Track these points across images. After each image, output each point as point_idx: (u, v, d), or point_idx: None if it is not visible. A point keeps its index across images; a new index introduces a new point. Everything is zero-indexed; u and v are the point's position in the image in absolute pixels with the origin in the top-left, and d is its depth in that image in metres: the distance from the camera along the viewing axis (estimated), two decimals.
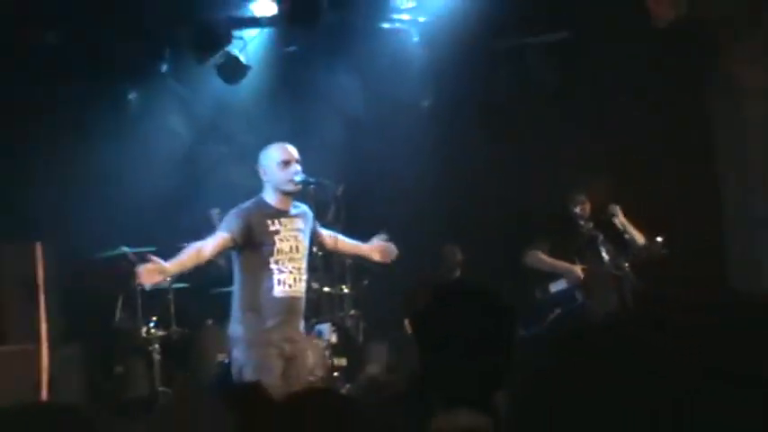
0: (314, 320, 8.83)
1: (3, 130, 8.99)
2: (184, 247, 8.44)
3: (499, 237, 9.33)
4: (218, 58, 9.59)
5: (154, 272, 6.54)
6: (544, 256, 8.09)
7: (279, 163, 6.80)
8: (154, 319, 9.05)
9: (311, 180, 8.17)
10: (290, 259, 6.76)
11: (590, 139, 9.26)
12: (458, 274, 9.47)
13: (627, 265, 7.91)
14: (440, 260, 9.60)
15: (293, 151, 6.90)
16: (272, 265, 6.70)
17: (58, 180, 9.45)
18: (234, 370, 6.74)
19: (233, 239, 6.67)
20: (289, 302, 6.74)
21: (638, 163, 8.97)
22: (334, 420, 2.94)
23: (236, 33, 9.75)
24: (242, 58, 9.75)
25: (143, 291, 9.00)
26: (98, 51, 9.32)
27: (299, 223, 6.91)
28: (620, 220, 7.93)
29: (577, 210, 7.94)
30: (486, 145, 10.05)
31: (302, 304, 6.87)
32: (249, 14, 9.88)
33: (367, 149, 9.79)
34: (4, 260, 8.80)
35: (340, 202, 8.09)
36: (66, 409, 3.27)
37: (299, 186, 6.87)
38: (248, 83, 9.88)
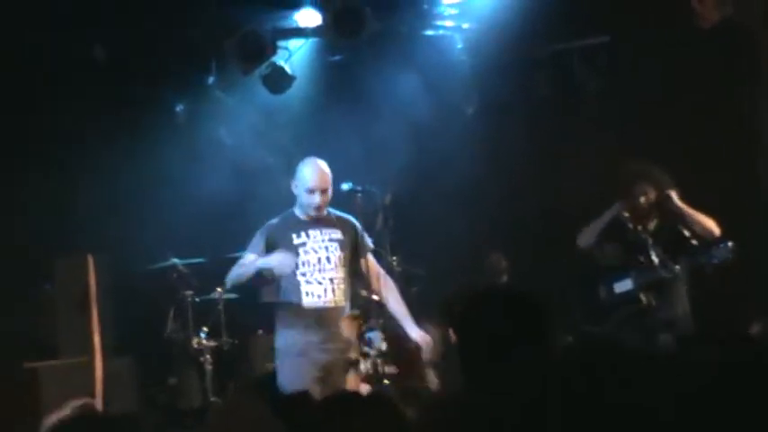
0: (365, 328, 8.80)
1: (55, 146, 9.05)
2: (234, 258, 8.48)
3: (544, 240, 9.26)
4: (263, 69, 9.58)
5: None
6: (589, 227, 7.96)
7: (306, 189, 6.82)
8: (205, 329, 9.09)
9: (358, 188, 8.13)
10: (320, 270, 6.78)
11: (634, 142, 9.15)
12: (503, 280, 9.42)
13: (678, 267, 7.70)
14: (486, 267, 9.54)
15: (324, 178, 6.87)
16: (299, 277, 6.73)
17: (108, 193, 9.50)
18: (277, 380, 6.82)
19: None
20: (319, 313, 6.75)
21: (682, 166, 8.85)
22: (380, 427, 2.97)
23: (282, 44, 9.73)
24: (287, 69, 9.72)
25: (193, 302, 9.05)
26: (146, 65, 9.37)
27: (334, 234, 6.91)
28: (677, 204, 7.72)
29: (641, 200, 7.78)
30: (530, 149, 10.02)
31: (337, 313, 6.84)
32: (294, 25, 9.86)
33: (413, 156, 9.73)
34: (57, 274, 8.86)
35: (387, 211, 8.02)
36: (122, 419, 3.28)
37: (320, 213, 6.86)
38: (294, 93, 9.85)
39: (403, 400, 7.70)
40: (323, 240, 6.85)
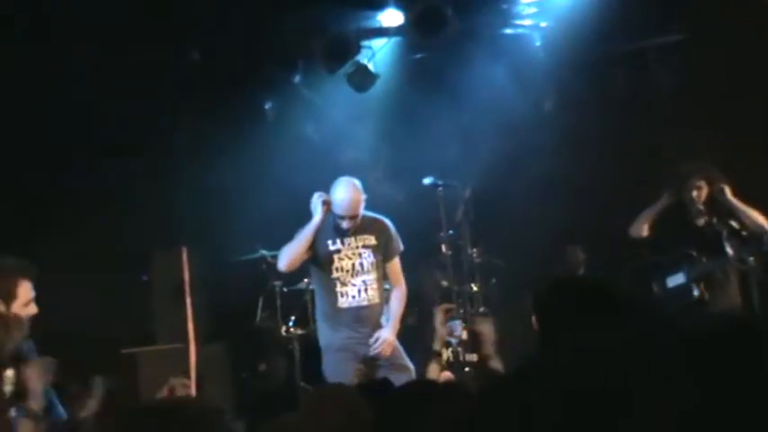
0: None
1: (151, 143, 9.19)
2: None
3: (620, 234, 9.24)
4: (348, 68, 9.67)
5: None
6: (641, 218, 7.95)
7: (337, 215, 7.19)
8: (293, 318, 9.18)
9: (439, 182, 8.24)
10: (354, 274, 7.13)
11: (709, 138, 9.08)
12: (581, 272, 9.41)
13: (752, 259, 7.63)
14: (564, 260, 9.55)
15: (354, 205, 7.19)
16: (335, 280, 7.12)
17: (201, 188, 9.62)
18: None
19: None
20: (353, 312, 7.10)
21: (756, 162, 8.77)
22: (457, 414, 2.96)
23: (365, 43, 9.80)
24: (371, 67, 9.81)
25: (282, 292, 9.17)
26: (237, 66, 9.50)
27: (368, 240, 7.23)
28: (729, 198, 7.66)
29: (694, 194, 7.74)
30: (606, 145, 9.98)
31: (372, 311, 7.21)
32: (377, 25, 9.92)
33: (493, 151, 9.75)
34: (154, 265, 9.06)
35: (468, 203, 8.10)
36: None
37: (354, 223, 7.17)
38: (377, 90, 9.92)
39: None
40: (356, 247, 7.19)
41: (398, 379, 6.94)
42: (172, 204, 9.30)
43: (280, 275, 9.20)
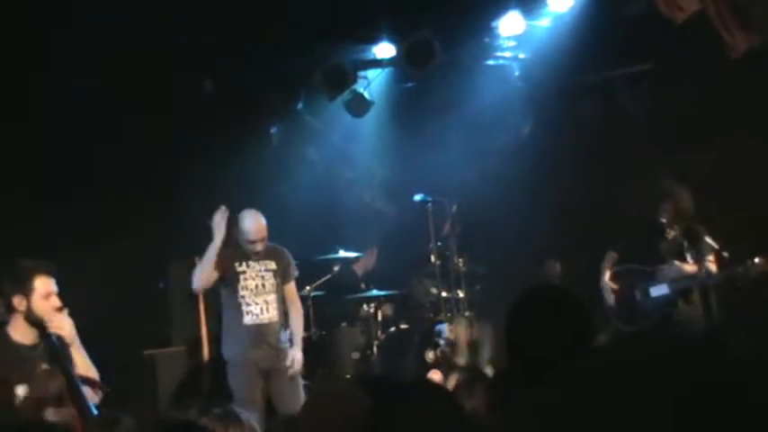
0: (435, 320, 8.97)
1: (165, 165, 9.22)
2: (320, 260, 8.77)
3: (595, 247, 9.31)
4: (345, 96, 9.76)
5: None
6: (608, 261, 7.98)
7: (248, 240, 7.39)
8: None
9: (429, 199, 8.37)
10: (257, 294, 7.32)
11: (674, 160, 9.18)
12: (556, 283, 9.46)
13: (710, 271, 7.62)
14: (541, 273, 9.62)
15: (262, 228, 7.47)
16: (240, 300, 7.31)
17: (212, 205, 9.68)
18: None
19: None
20: (256, 329, 7.28)
21: (722, 183, 8.83)
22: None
23: (361, 73, 9.89)
24: (366, 95, 9.91)
25: None
26: (245, 94, 9.58)
27: (270, 264, 7.45)
28: (702, 237, 7.68)
29: (663, 218, 7.80)
30: (580, 166, 10.05)
31: (272, 328, 7.37)
32: (372, 57, 10.00)
33: (477, 170, 9.84)
34: (170, 274, 9.12)
35: (455, 218, 8.17)
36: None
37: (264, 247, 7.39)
38: (372, 116, 10.03)
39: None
40: (259, 270, 7.40)
41: (295, 390, 7.25)
42: (186, 220, 9.35)
43: None
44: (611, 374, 1.50)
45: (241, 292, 7.32)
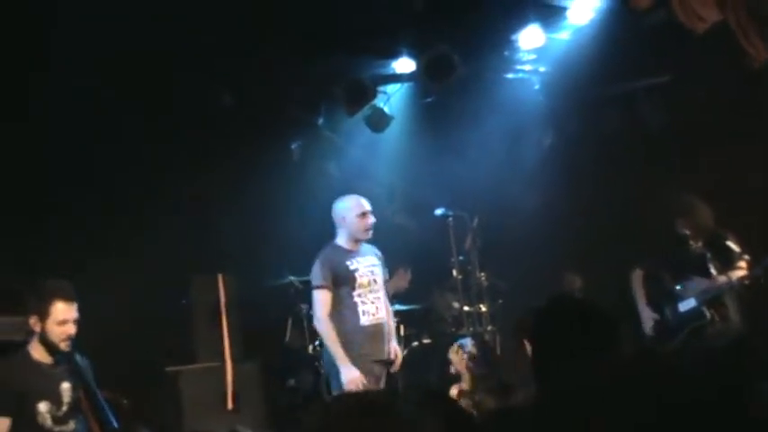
0: (457, 334, 8.92)
1: (188, 180, 9.24)
2: None
3: (617, 260, 9.24)
4: (365, 111, 9.73)
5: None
6: (638, 282, 7.95)
7: (358, 214, 7.13)
8: (319, 338, 9.17)
9: (450, 213, 8.33)
10: (370, 291, 7.04)
11: (694, 171, 9.14)
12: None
13: (735, 278, 7.61)
14: (563, 285, 9.56)
15: (367, 204, 7.22)
16: (356, 299, 7.00)
17: (234, 220, 9.68)
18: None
19: (329, 287, 6.97)
20: (375, 329, 7.01)
21: (742, 194, 8.77)
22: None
23: (381, 88, 9.87)
24: (386, 110, 9.90)
25: (308, 314, 9.18)
26: (266, 109, 9.57)
27: (373, 260, 7.20)
28: (728, 244, 7.67)
29: (686, 231, 7.78)
30: (602, 178, 10.00)
31: (386, 328, 7.10)
32: (392, 72, 9.98)
33: (498, 184, 9.81)
34: (193, 290, 9.11)
35: (476, 232, 8.14)
36: None
37: (370, 235, 7.13)
38: (392, 130, 10.01)
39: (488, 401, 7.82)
40: (367, 266, 7.14)
41: None
42: (209, 236, 9.36)
43: (306, 299, 9.26)
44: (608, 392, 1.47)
45: (357, 291, 7.05)
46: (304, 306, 9.14)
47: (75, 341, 5.44)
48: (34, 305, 5.35)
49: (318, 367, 8.99)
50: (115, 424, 5.29)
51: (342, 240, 7.20)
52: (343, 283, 7.02)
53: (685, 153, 9.52)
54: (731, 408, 1.33)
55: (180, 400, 8.48)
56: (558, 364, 3.09)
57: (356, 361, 6.91)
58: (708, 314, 7.56)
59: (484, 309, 9.08)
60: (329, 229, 9.69)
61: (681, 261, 7.76)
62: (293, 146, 10.27)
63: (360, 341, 6.97)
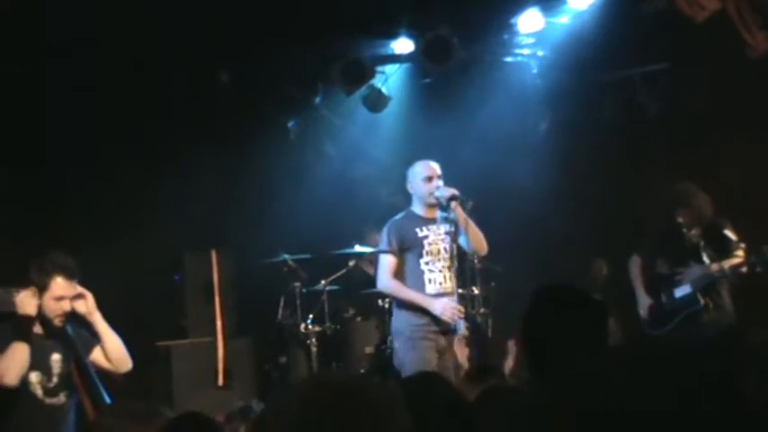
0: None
1: (182, 156, 9.24)
2: (336, 255, 8.69)
3: (612, 245, 9.25)
4: (363, 91, 9.74)
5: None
6: (635, 268, 7.99)
7: (423, 178, 7.00)
8: (311, 316, 9.14)
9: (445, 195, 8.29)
10: (439, 260, 6.94)
11: (690, 157, 9.15)
12: (601, 284, 9.41)
13: (728, 266, 7.65)
14: (588, 273, 9.57)
15: (436, 167, 7.09)
16: (423, 267, 6.89)
17: (230, 197, 9.68)
18: (395, 360, 6.97)
19: (394, 252, 6.88)
20: (452, 297, 6.89)
21: (740, 182, 8.78)
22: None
23: (379, 69, 9.84)
24: (384, 90, 9.88)
25: (301, 292, 9.20)
26: (263, 88, 9.57)
27: (446, 228, 7.06)
28: (725, 233, 7.69)
29: (681, 219, 7.80)
30: (598, 163, 10.02)
31: (455, 299, 6.96)
32: (390, 52, 9.96)
33: (493, 167, 9.78)
34: (186, 267, 9.13)
35: (471, 214, 8.12)
36: None
37: (439, 199, 6.99)
38: (390, 111, 10.01)
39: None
40: (439, 234, 7.01)
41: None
42: (203, 212, 9.36)
43: (299, 277, 9.30)
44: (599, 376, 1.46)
45: (426, 258, 6.96)
46: (297, 284, 9.18)
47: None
48: (35, 277, 5.34)
49: (310, 345, 9.02)
50: (107, 398, 5.30)
51: (416, 207, 7.11)
52: (409, 249, 6.94)
53: (682, 140, 9.57)
54: (722, 397, 1.33)
55: (171, 375, 8.52)
56: (550, 351, 3.11)
57: (416, 331, 6.85)
58: (702, 301, 7.58)
59: (477, 291, 9.06)
60: (324, 209, 9.75)
61: (675, 248, 7.77)
62: (290, 125, 10.22)
63: (423, 310, 6.88)
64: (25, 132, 8.43)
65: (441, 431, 2.93)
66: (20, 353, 5.22)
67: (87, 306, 5.47)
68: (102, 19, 7.64)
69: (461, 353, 7.44)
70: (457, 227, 7.12)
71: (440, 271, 6.97)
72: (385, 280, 6.99)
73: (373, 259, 9.68)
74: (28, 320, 5.26)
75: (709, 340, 3.12)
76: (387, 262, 6.98)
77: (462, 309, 6.93)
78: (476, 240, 7.10)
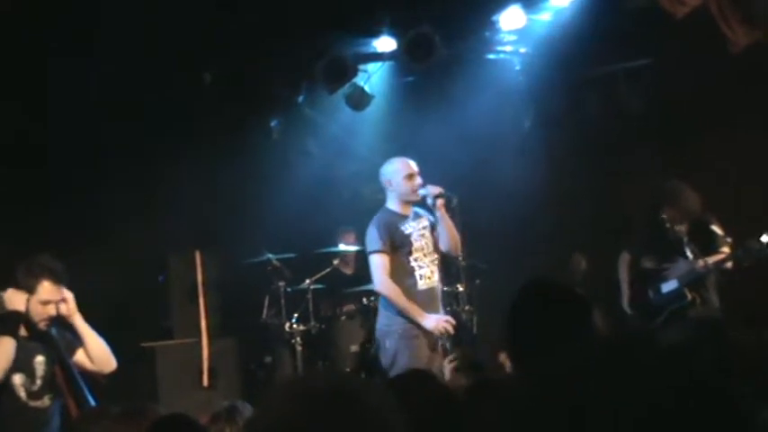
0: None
1: (164, 156, 9.21)
2: (319, 254, 8.66)
3: (597, 241, 9.26)
4: (346, 89, 9.71)
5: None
6: (623, 265, 8.02)
7: (405, 176, 6.98)
8: (296, 315, 9.16)
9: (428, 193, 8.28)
10: (426, 255, 6.95)
11: (673, 153, 9.19)
12: (580, 279, 9.43)
13: (712, 262, 7.67)
14: (567, 268, 9.58)
15: (414, 165, 7.08)
16: (413, 263, 6.88)
17: (212, 197, 9.65)
18: (384, 359, 6.91)
19: (387, 252, 6.83)
20: (430, 293, 6.92)
21: (722, 177, 8.82)
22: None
23: (362, 67, 9.84)
24: (367, 89, 9.86)
25: (286, 291, 9.22)
26: (246, 86, 9.55)
27: (425, 222, 7.07)
28: (713, 229, 7.72)
29: (665, 215, 7.82)
30: (581, 159, 10.04)
31: (439, 291, 7.01)
32: (373, 50, 9.95)
33: (477, 164, 9.80)
34: (170, 267, 9.11)
35: (456, 212, 8.13)
36: None
37: (424, 196, 7.02)
38: (373, 109, 9.99)
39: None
40: (421, 229, 7.00)
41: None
42: (187, 213, 9.35)
43: (283, 277, 9.29)
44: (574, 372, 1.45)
45: (414, 255, 6.91)
46: (281, 284, 9.19)
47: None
48: (22, 279, 5.32)
49: (295, 344, 9.02)
50: (92, 400, 5.27)
51: (393, 205, 7.07)
52: (399, 247, 6.90)
53: (664, 136, 9.59)
54: (709, 393, 1.33)
55: (156, 375, 8.51)
56: (534, 347, 3.09)
57: (409, 329, 6.80)
58: (689, 296, 7.60)
59: (461, 288, 9.08)
60: (308, 208, 9.74)
61: (661, 244, 7.80)
62: (273, 123, 10.23)
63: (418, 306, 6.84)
64: (25, 132, 8.40)
65: (432, 427, 2.93)
66: (5, 346, 5.19)
67: (69, 308, 5.44)
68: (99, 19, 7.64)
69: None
70: (434, 225, 7.09)
71: (427, 266, 6.95)
72: (385, 281, 6.87)
73: (349, 259, 9.72)
74: (16, 316, 5.24)
75: (695, 336, 3.12)
76: (382, 262, 6.88)
77: (454, 322, 6.90)
78: (453, 239, 7.10)
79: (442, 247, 7.13)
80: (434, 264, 7.01)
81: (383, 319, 7.00)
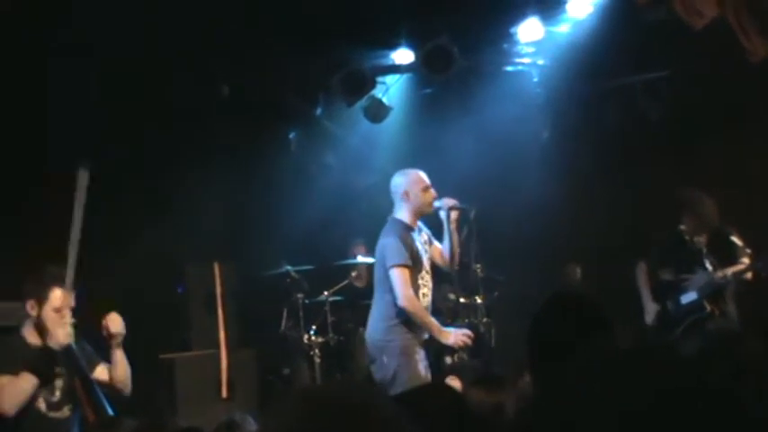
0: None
1: (185, 168, 9.21)
2: (338, 266, 8.64)
3: (616, 253, 9.23)
4: (364, 101, 9.75)
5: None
6: (642, 275, 8.01)
7: (423, 188, 6.88)
8: (314, 327, 9.19)
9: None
10: (427, 272, 6.85)
11: (691, 164, 9.16)
12: (576, 289, 9.42)
13: (731, 273, 7.66)
14: (561, 278, 9.58)
15: (427, 177, 7.00)
16: (420, 281, 6.73)
17: (232, 209, 9.67)
18: (379, 374, 6.76)
19: (409, 266, 6.62)
20: (427, 310, 6.78)
21: (740, 188, 8.79)
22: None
23: (380, 79, 9.86)
24: (385, 101, 9.89)
25: (304, 303, 9.22)
26: (264, 99, 9.57)
27: (425, 237, 7.00)
28: (733, 240, 7.71)
29: (684, 226, 7.82)
30: (599, 171, 10.04)
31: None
32: (390, 62, 9.98)
33: (496, 176, 9.79)
34: (189, 278, 9.13)
35: (473, 224, 8.11)
36: None
37: (439, 209, 6.93)
38: (391, 121, 10.01)
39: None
40: (423, 243, 6.88)
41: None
42: (205, 224, 9.37)
43: (302, 289, 9.30)
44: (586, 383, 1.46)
45: (422, 273, 6.71)
46: (300, 296, 9.20)
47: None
48: (32, 289, 5.35)
49: (313, 356, 9.02)
50: (110, 411, 5.29)
51: (405, 216, 6.82)
52: (415, 263, 6.70)
53: (683, 147, 9.56)
54: (725, 403, 1.33)
55: (175, 387, 8.50)
56: (555, 362, 3.08)
57: (410, 346, 6.62)
58: (708, 308, 7.59)
59: (480, 300, 9.08)
60: (326, 219, 9.74)
61: (680, 255, 7.79)
62: (291, 136, 10.27)
63: (412, 321, 6.67)
64: (25, 132, 8.41)
65: None
66: (24, 385, 5.21)
67: (117, 326, 5.47)
68: (102, 22, 7.64)
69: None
70: (430, 239, 7.01)
71: (427, 283, 6.82)
72: (411, 297, 6.59)
73: (362, 272, 9.72)
74: (53, 356, 5.26)
75: (711, 347, 3.11)
76: (406, 277, 6.59)
77: (472, 335, 6.82)
78: (455, 254, 6.98)
79: (442, 260, 7.00)
80: (431, 280, 6.89)
81: (380, 334, 6.77)
